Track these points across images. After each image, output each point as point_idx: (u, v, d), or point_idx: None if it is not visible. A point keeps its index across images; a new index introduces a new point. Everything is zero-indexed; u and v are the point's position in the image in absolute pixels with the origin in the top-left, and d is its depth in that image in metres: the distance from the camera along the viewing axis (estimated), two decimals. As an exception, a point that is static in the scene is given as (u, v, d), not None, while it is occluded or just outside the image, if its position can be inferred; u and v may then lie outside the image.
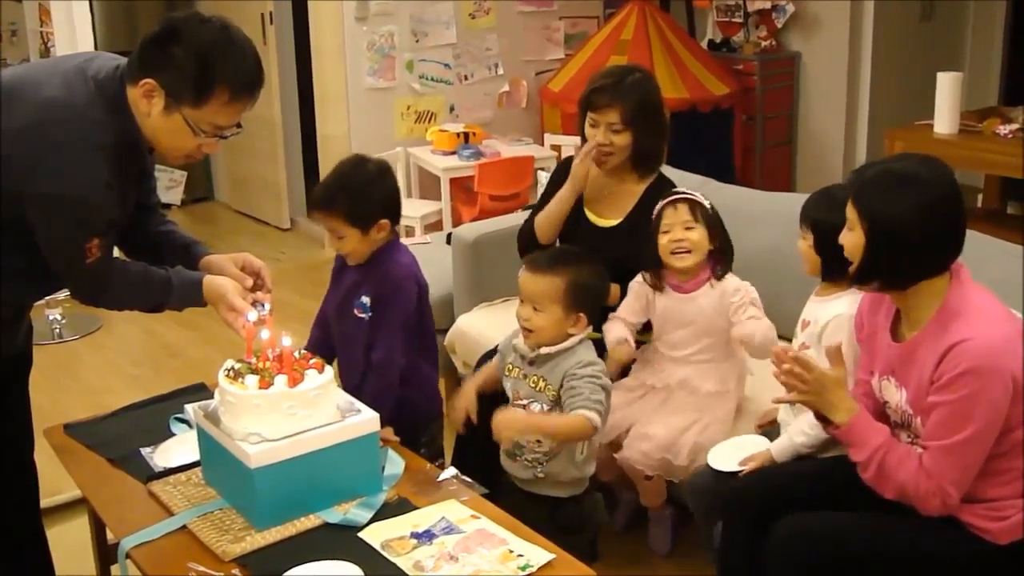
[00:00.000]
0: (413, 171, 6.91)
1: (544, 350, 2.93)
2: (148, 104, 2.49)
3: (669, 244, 3.30)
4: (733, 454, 3.00)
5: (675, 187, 3.60)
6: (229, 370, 2.51)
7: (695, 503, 3.12)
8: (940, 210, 2.44)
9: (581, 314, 2.92)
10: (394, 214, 3.04)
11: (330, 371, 2.52)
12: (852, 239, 2.50)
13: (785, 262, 3.32)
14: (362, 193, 3.00)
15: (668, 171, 4.00)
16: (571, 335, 2.92)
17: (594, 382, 2.85)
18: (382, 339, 3.00)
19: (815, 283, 3.53)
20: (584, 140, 3.65)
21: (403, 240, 3.24)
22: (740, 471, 2.93)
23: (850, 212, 2.49)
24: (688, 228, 3.27)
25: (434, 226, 6.42)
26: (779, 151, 7.42)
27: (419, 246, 4.91)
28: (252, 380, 2.43)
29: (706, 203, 3.30)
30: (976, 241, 2.70)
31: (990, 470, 2.49)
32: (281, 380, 2.42)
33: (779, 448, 2.96)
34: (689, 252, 3.27)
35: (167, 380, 4.43)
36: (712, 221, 3.30)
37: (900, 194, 2.43)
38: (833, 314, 2.91)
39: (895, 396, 2.59)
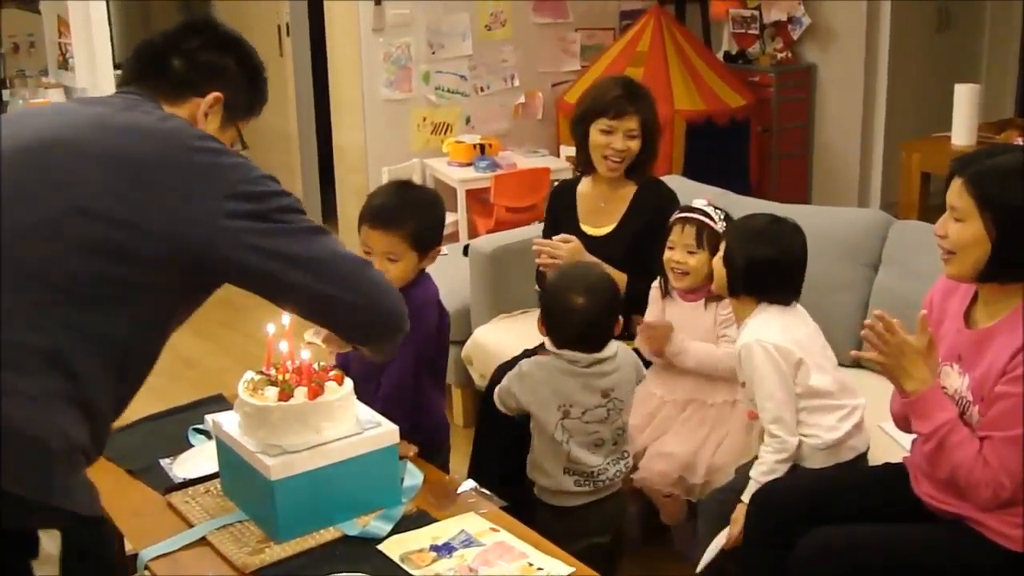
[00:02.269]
0: (429, 183, 6.88)
1: None
2: (204, 119, 2.26)
3: (669, 261, 3.36)
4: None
5: (663, 186, 3.80)
6: (248, 382, 2.51)
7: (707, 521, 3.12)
8: None
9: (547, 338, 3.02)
10: (440, 244, 3.05)
11: (349, 383, 2.51)
12: (964, 230, 2.47)
13: (807, 276, 3.27)
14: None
15: (686, 183, 4.03)
16: None
17: (509, 375, 3.01)
18: (395, 363, 2.92)
19: (828, 296, 3.54)
20: (581, 150, 3.71)
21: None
22: None
23: (960, 202, 2.48)
24: (690, 252, 3.29)
25: (450, 238, 6.41)
26: (795, 163, 7.41)
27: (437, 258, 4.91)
28: (272, 392, 2.43)
29: (719, 226, 3.29)
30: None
31: None
32: (301, 392, 2.42)
33: (748, 493, 2.96)
34: (686, 274, 3.30)
35: (184, 390, 4.42)
36: (718, 248, 3.26)
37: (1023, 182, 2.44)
38: (740, 344, 2.99)
39: (956, 382, 2.59)
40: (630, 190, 3.77)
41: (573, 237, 3.65)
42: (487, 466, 3.35)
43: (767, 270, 3.00)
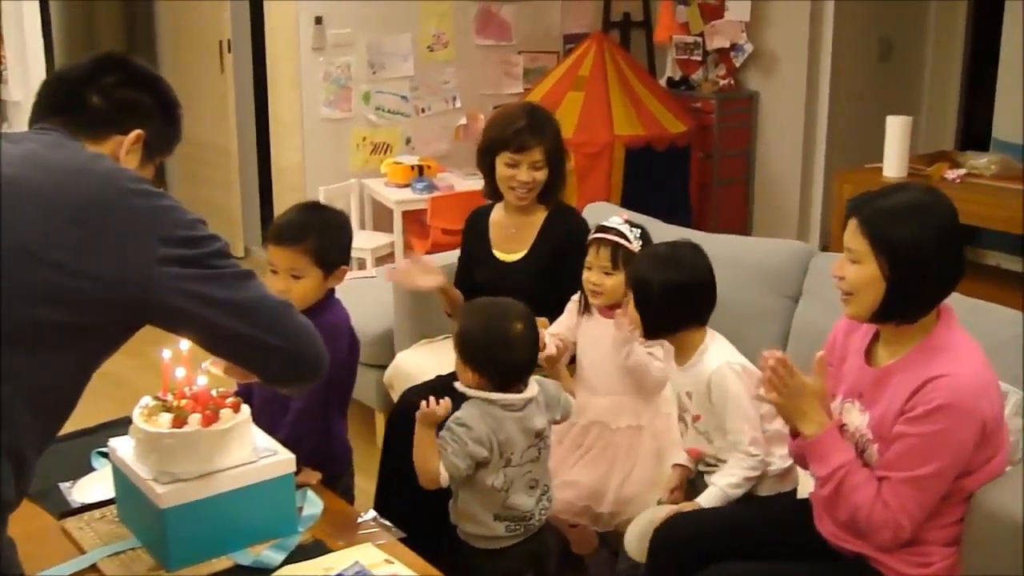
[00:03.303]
0: (367, 203, 6.89)
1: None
2: (125, 157, 2.18)
3: (587, 281, 3.36)
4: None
5: (571, 210, 3.83)
6: (144, 408, 2.47)
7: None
8: (951, 236, 2.47)
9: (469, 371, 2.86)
10: (347, 264, 3.02)
11: (246, 410, 2.48)
12: (860, 272, 2.48)
13: (729, 307, 3.28)
14: (333, 234, 2.98)
15: (612, 210, 4.02)
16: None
17: (455, 442, 2.77)
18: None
19: (748, 326, 3.54)
20: (490, 181, 3.72)
21: (348, 273, 3.15)
22: None
23: (855, 243, 2.48)
24: (606, 273, 3.29)
25: (386, 259, 6.40)
26: (736, 189, 7.44)
27: (363, 280, 4.89)
28: (166, 418, 2.39)
29: (634, 245, 3.28)
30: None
31: (931, 512, 2.49)
32: (195, 419, 2.38)
33: (709, 499, 2.95)
34: (602, 294, 3.30)
35: (108, 408, 4.32)
36: None
37: (917, 223, 2.45)
38: (709, 371, 2.95)
39: (857, 419, 2.58)
40: (540, 216, 3.78)
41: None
42: (393, 499, 3.34)
43: (701, 292, 3.01)
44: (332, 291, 3.01)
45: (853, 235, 2.49)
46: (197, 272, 1.99)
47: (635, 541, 3.00)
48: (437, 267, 3.81)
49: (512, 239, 3.80)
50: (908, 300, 2.48)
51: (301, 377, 2.22)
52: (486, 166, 3.76)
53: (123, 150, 2.18)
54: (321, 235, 2.93)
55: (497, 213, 3.87)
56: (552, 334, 3.40)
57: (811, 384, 2.53)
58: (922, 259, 2.43)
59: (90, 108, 2.17)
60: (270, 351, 2.11)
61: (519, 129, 3.65)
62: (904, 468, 2.44)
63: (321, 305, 2.94)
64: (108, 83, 2.19)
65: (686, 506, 2.96)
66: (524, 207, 3.76)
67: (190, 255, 1.99)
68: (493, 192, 3.81)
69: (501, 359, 2.83)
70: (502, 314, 2.87)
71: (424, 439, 2.79)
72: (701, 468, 3.08)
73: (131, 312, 1.97)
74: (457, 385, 2.87)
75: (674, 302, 2.97)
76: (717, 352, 2.97)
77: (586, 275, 3.36)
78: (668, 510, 2.96)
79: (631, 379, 3.31)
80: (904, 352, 2.52)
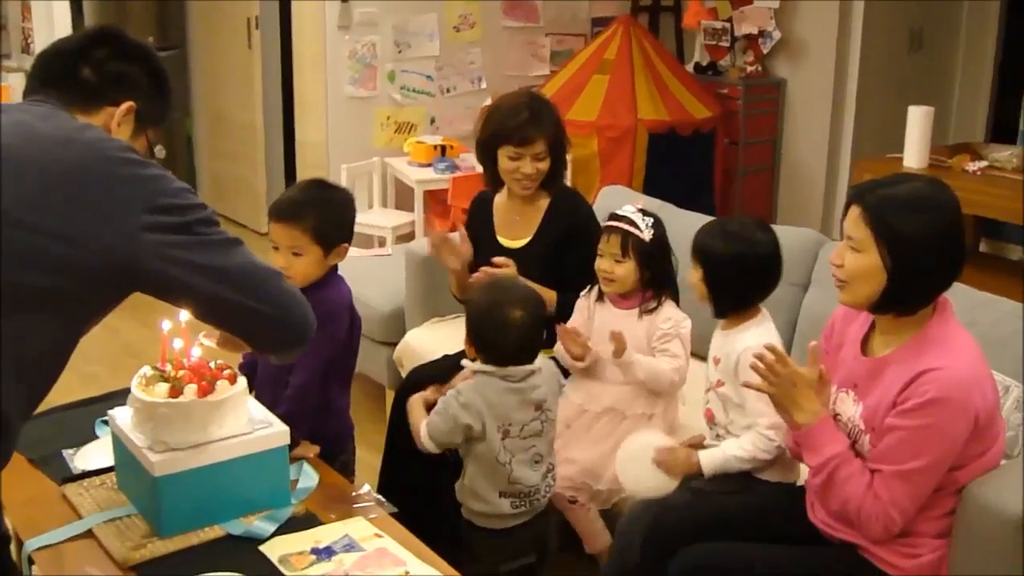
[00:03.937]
0: (389, 182, 6.91)
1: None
2: (117, 128, 2.23)
3: (599, 269, 3.37)
4: (645, 474, 3.00)
5: (575, 194, 3.83)
6: (142, 377, 2.51)
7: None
8: (954, 231, 2.46)
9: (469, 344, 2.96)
10: (349, 242, 3.03)
11: (242, 382, 2.51)
12: (860, 261, 2.47)
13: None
14: (334, 211, 2.99)
15: (628, 194, 4.01)
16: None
17: (443, 411, 2.87)
18: (304, 365, 2.87)
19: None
20: (491, 171, 3.73)
21: (364, 251, 3.17)
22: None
23: (857, 231, 2.47)
24: (616, 261, 3.30)
25: (406, 237, 6.41)
26: (761, 177, 7.40)
27: (378, 258, 4.91)
28: (162, 388, 2.43)
29: (644, 234, 3.29)
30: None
31: (922, 504, 2.49)
32: (191, 389, 2.42)
33: (708, 457, 2.96)
34: (613, 281, 3.30)
35: (124, 379, 4.38)
36: (646, 256, 3.29)
37: (921, 215, 2.43)
38: (743, 347, 2.93)
39: (850, 409, 2.58)
40: (544, 202, 3.76)
41: (511, 261, 3.62)
42: (397, 477, 3.36)
43: (770, 269, 3.00)
44: (334, 268, 3.02)
45: (855, 223, 2.47)
46: (183, 239, 2.02)
47: (628, 463, 3.05)
48: (467, 252, 3.74)
49: (517, 225, 3.78)
50: (907, 292, 2.46)
51: (289, 342, 2.25)
52: (487, 158, 3.74)
53: (114, 121, 2.22)
54: (321, 213, 2.94)
55: (501, 198, 3.85)
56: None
57: (805, 374, 2.52)
58: (924, 251, 2.42)
59: (82, 81, 2.21)
60: (257, 317, 2.14)
61: (521, 123, 3.60)
62: (895, 461, 2.43)
63: (322, 282, 2.96)
64: (100, 56, 2.23)
65: (681, 452, 2.98)
66: (527, 196, 3.75)
67: (176, 222, 2.02)
68: (494, 181, 3.80)
69: (496, 342, 2.89)
70: (504, 300, 2.91)
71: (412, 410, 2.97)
72: (708, 442, 3.09)
73: (116, 279, 2.01)
74: (464, 362, 2.95)
75: (744, 278, 2.97)
76: (759, 333, 2.94)
77: (598, 262, 3.37)
78: (668, 441, 3.01)
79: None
80: (899, 344, 2.51)
